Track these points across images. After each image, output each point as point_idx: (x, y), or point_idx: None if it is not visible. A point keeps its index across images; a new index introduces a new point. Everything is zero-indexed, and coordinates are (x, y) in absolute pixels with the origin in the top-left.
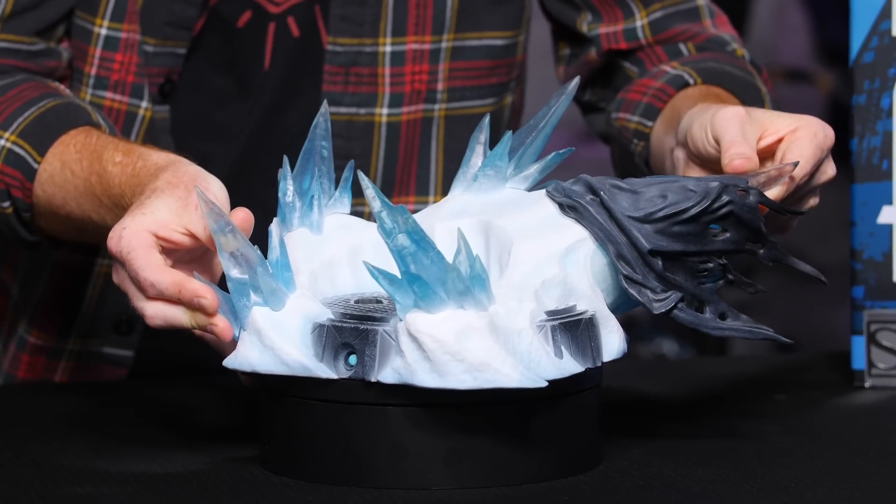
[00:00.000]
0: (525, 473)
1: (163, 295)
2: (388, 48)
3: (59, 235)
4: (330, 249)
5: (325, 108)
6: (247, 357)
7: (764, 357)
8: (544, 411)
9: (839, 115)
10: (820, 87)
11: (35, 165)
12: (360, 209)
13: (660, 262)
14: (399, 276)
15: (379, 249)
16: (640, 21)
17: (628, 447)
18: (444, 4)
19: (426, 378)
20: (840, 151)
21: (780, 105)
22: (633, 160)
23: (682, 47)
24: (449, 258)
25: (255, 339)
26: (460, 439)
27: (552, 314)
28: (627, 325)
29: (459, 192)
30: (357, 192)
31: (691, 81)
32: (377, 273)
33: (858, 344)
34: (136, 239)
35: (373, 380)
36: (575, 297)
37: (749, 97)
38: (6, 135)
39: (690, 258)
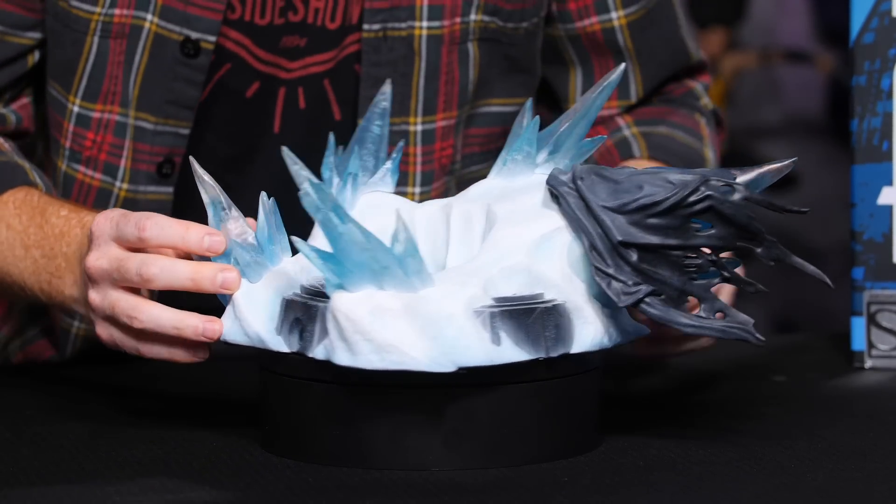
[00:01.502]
0: (525, 455)
1: (163, 237)
2: (420, 127)
3: None
4: None
5: (388, 86)
6: (223, 325)
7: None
8: (545, 393)
9: (839, 96)
10: (820, 68)
11: None
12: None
13: (635, 254)
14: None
15: (417, 226)
16: (633, 87)
17: (628, 428)
18: (467, 79)
19: (342, 356)
20: (840, 132)
21: (781, 86)
22: None
23: (633, 86)
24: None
25: (230, 309)
26: (460, 421)
27: (501, 301)
28: None
29: (492, 177)
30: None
31: (637, 153)
32: (308, 250)
33: (858, 325)
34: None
35: (310, 355)
36: (543, 285)
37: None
38: None
39: (673, 252)
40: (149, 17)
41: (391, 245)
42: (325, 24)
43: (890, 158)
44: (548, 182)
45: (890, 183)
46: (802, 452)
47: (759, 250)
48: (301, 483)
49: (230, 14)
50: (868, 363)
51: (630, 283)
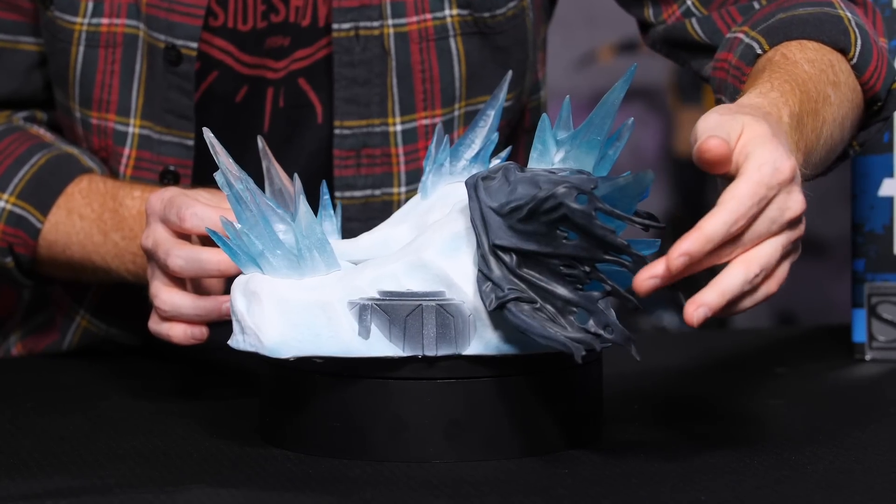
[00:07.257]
0: (525, 446)
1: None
2: (399, 127)
3: (54, 277)
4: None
5: (508, 75)
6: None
7: (764, 330)
8: (544, 384)
9: None
10: None
11: (38, 225)
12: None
13: (513, 259)
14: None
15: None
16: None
17: (628, 420)
18: (451, 76)
19: (237, 338)
20: None
21: None
22: None
23: (755, 2)
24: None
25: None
26: (460, 412)
27: (387, 295)
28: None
29: None
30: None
31: (759, 51)
32: (216, 238)
33: (859, 317)
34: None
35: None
36: (445, 284)
37: (828, 32)
38: (5, 196)
39: (551, 260)
40: (141, 25)
41: (296, 227)
42: (300, 23)
43: (891, 150)
44: (465, 182)
45: (891, 175)
46: (803, 444)
47: (631, 266)
48: (301, 475)
49: (213, 21)
50: (868, 355)
51: (506, 287)
